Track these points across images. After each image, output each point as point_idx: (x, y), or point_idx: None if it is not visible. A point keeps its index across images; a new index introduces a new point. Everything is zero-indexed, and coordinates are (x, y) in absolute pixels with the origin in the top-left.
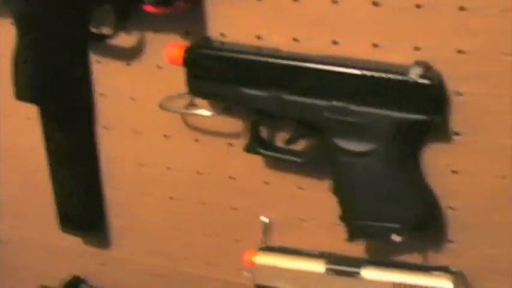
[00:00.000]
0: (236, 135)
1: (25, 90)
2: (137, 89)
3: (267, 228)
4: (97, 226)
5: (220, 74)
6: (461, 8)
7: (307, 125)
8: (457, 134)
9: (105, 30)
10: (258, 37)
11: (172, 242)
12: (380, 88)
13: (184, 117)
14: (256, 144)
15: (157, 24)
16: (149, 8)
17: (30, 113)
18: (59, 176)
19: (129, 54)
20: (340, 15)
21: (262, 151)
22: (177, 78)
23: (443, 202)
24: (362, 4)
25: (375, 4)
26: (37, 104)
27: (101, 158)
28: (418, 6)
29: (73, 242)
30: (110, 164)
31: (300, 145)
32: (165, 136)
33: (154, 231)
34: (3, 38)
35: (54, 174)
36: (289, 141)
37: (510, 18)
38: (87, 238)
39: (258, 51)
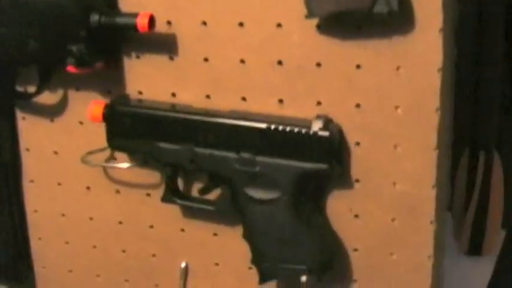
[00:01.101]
0: (154, 186)
1: None
2: (60, 143)
3: (185, 274)
4: (24, 276)
5: (136, 130)
6: (358, 66)
7: (218, 175)
8: (357, 181)
9: (30, 89)
10: (172, 94)
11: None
12: (284, 140)
13: (105, 170)
14: (172, 194)
15: (80, 83)
16: (71, 69)
17: None
18: None
19: (53, 111)
20: (248, 73)
21: (178, 201)
22: (98, 134)
23: (348, 244)
24: (267, 63)
25: (279, 63)
26: None
27: (27, 210)
28: (318, 64)
29: None
30: (35, 216)
31: (213, 194)
32: (87, 188)
33: (78, 280)
34: None
35: None
36: (203, 191)
37: (401, 74)
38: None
39: (171, 107)
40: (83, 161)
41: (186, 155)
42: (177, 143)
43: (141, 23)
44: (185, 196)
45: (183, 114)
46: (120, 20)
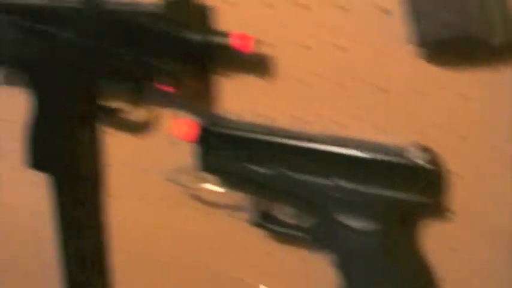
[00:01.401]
0: (240, 208)
1: (34, 159)
2: (145, 160)
3: None
4: None
5: (227, 151)
6: (464, 97)
7: (312, 202)
8: (455, 213)
9: (115, 104)
10: (266, 116)
11: None
12: (382, 169)
13: (189, 189)
14: (260, 218)
15: (167, 100)
16: (164, 87)
17: (36, 179)
18: (65, 241)
19: (137, 127)
20: (347, 98)
21: (266, 225)
22: (185, 153)
23: (443, 279)
24: (368, 89)
25: (381, 89)
26: (45, 173)
27: (107, 224)
28: (422, 93)
29: None
30: (115, 231)
31: (303, 220)
32: (171, 207)
33: None
34: (17, 106)
35: (61, 240)
36: (292, 217)
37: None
38: None
39: (264, 129)
40: (168, 179)
41: (279, 179)
42: (270, 166)
43: (237, 43)
44: (274, 220)
45: (277, 138)
46: (215, 39)
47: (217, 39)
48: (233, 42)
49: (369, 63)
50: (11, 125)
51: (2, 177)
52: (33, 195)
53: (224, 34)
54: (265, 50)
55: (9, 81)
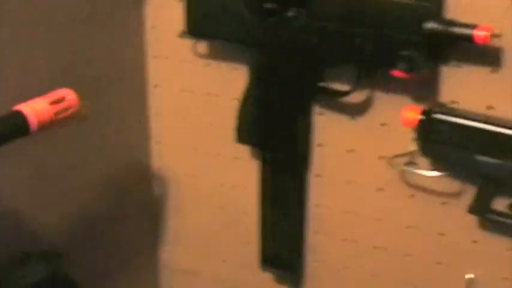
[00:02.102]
0: (451, 195)
1: (249, 135)
2: (357, 142)
3: (470, 286)
4: (296, 267)
5: (453, 139)
6: None
7: None
8: None
9: (337, 86)
10: (489, 107)
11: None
12: None
13: (401, 173)
14: (482, 207)
15: (390, 86)
16: (399, 74)
17: (238, 153)
18: (268, 216)
19: (355, 110)
20: None
21: (488, 215)
22: (400, 138)
23: None
24: None
25: None
26: (258, 149)
27: (309, 203)
28: None
29: (265, 280)
30: (317, 210)
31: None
32: (379, 189)
33: (353, 278)
34: (235, 83)
35: (263, 215)
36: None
37: None
38: (282, 277)
39: (491, 120)
40: (390, 163)
41: (506, 170)
42: (499, 157)
43: (480, 35)
44: (492, 210)
45: (505, 129)
46: (457, 30)
47: (461, 31)
48: (476, 34)
49: None
50: (223, 101)
51: (209, 151)
52: (239, 170)
53: (468, 26)
54: (496, 41)
55: (230, 58)
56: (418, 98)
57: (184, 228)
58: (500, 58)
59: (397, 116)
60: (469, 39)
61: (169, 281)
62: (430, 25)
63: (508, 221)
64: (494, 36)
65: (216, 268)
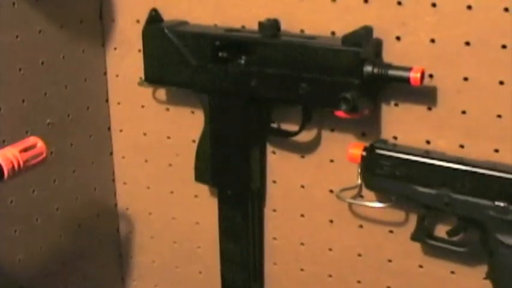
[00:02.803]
0: (397, 224)
1: (206, 174)
2: (308, 178)
3: None
4: None
5: (394, 173)
6: None
7: (471, 220)
8: None
9: (285, 126)
10: (427, 142)
11: None
12: None
13: (350, 206)
14: (423, 234)
15: (335, 124)
16: (341, 114)
17: (198, 192)
18: (227, 249)
19: (305, 148)
20: (504, 127)
21: (429, 241)
22: (347, 173)
23: None
24: None
25: None
26: (215, 186)
27: (266, 236)
28: None
29: None
30: (274, 242)
31: (459, 236)
32: (330, 221)
33: None
34: (192, 126)
35: (222, 248)
36: (451, 233)
37: None
38: None
39: (427, 154)
40: (338, 196)
41: (443, 199)
42: (435, 187)
43: (415, 77)
44: (433, 236)
45: (443, 162)
46: (393, 73)
47: (397, 73)
48: (412, 76)
49: None
50: (181, 143)
51: (170, 190)
52: (199, 207)
53: (403, 69)
54: (430, 82)
55: (186, 103)
56: (362, 136)
57: (149, 263)
58: (434, 96)
59: (343, 152)
60: (405, 81)
61: None
62: (369, 68)
63: (448, 246)
64: (426, 77)
65: None
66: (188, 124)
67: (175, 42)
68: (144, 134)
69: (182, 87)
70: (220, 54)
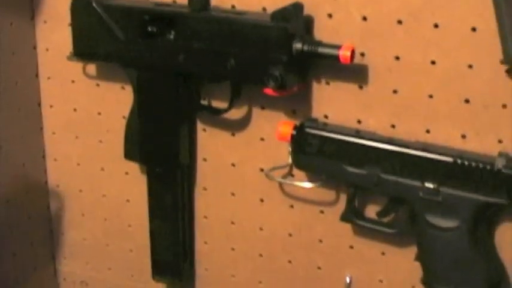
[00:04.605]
0: (328, 204)
1: (135, 151)
2: (239, 157)
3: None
4: (186, 276)
5: (324, 152)
6: None
7: (400, 201)
8: None
9: (216, 104)
10: (358, 121)
11: None
12: (468, 174)
13: (280, 185)
14: (352, 214)
15: (266, 102)
16: (268, 91)
17: (128, 169)
18: (156, 227)
19: (235, 126)
20: (434, 107)
21: (358, 221)
22: (278, 151)
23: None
24: (455, 100)
25: (466, 101)
26: (144, 163)
27: (197, 214)
28: (504, 106)
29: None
30: (204, 221)
31: (389, 217)
32: (261, 200)
33: (240, 285)
34: (117, 102)
35: (152, 226)
36: (381, 214)
37: None
38: (174, 286)
39: (357, 133)
40: (266, 175)
41: (372, 179)
42: (364, 167)
43: (344, 55)
44: (363, 217)
45: (372, 142)
46: (323, 50)
47: (326, 51)
48: (341, 54)
49: (457, 76)
50: (112, 119)
51: (100, 167)
52: (128, 184)
53: (333, 46)
54: (361, 60)
55: (117, 78)
56: (292, 114)
57: (79, 241)
58: (365, 75)
59: (274, 130)
60: (334, 58)
61: None
62: (298, 45)
63: (377, 227)
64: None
65: (110, 279)
66: (118, 100)
67: (103, 16)
68: (75, 110)
69: (110, 61)
70: (149, 28)
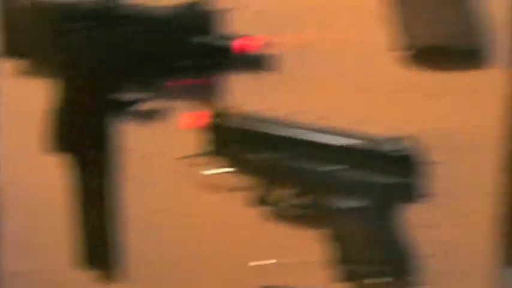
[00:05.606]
0: (239, 189)
1: (59, 142)
2: (159, 146)
3: (256, 273)
4: (114, 264)
5: (234, 140)
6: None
7: (306, 185)
8: (434, 194)
9: (131, 96)
10: (271, 109)
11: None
12: (367, 157)
13: (197, 173)
14: (260, 200)
15: (179, 94)
16: (176, 83)
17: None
18: (81, 218)
19: (152, 116)
20: (334, 93)
21: (264, 206)
22: (194, 140)
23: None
24: (353, 86)
25: (364, 87)
26: (69, 155)
27: (123, 204)
28: (398, 91)
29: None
30: (130, 210)
31: (297, 200)
32: (181, 188)
33: (166, 271)
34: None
35: (78, 215)
36: (290, 198)
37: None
38: (101, 275)
39: (268, 121)
40: (186, 163)
41: (280, 164)
42: (271, 153)
43: (237, 46)
44: (270, 202)
45: (279, 128)
46: (218, 42)
47: (222, 43)
48: (236, 45)
49: (357, 63)
50: (29, 112)
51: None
52: (53, 175)
53: (229, 38)
54: (273, 50)
55: (32, 72)
56: (206, 103)
57: (11, 233)
58: (275, 64)
59: (190, 121)
60: (228, 49)
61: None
62: (198, 38)
63: (285, 212)
64: (266, 44)
65: (41, 269)
66: (40, 93)
67: (22, 11)
68: (6, 105)
69: (30, 57)
70: (64, 24)
